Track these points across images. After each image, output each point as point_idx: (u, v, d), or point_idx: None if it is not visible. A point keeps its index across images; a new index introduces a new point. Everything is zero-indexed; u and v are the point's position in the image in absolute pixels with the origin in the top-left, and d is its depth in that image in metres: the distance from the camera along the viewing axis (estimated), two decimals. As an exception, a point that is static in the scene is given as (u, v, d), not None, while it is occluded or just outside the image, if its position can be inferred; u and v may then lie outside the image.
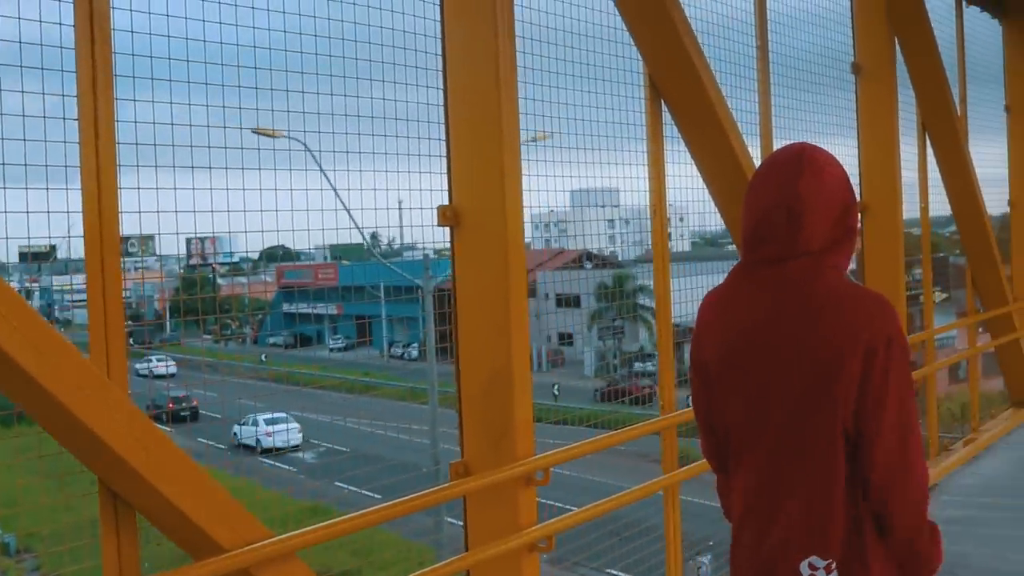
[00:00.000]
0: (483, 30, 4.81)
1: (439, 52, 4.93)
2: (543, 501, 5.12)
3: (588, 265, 41.69)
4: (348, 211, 4.87)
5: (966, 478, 9.15)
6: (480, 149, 4.86)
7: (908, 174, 10.11)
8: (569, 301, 45.64)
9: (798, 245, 2.74)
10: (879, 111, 8.69)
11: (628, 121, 6.41)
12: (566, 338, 46.87)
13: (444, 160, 4.95)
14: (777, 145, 7.49)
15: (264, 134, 4.37)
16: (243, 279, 48.84)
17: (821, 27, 8.62)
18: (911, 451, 2.71)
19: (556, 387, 38.97)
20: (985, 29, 12.28)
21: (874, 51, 8.65)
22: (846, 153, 8.76)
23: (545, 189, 5.83)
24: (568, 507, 5.39)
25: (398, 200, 5.09)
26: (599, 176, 6.41)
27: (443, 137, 4.95)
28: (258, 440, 32.64)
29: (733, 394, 2.84)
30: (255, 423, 31.79)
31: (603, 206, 7.70)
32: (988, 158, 12.30)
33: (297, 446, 33.79)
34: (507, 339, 4.83)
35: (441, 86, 4.94)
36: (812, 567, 2.69)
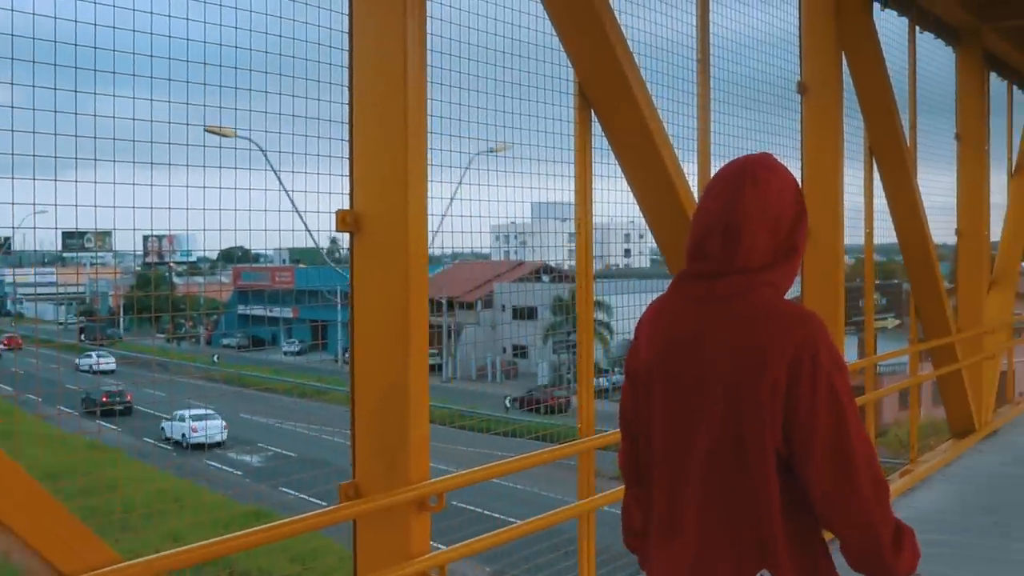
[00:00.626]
0: (391, 29, 4.52)
1: (346, 49, 4.64)
2: (487, 513, 4.83)
3: (545, 278, 41.46)
4: (299, 213, 4.80)
5: (900, 511, 8.80)
6: (383, 152, 4.57)
7: (855, 199, 9.94)
8: (525, 313, 45.51)
9: (734, 262, 2.67)
10: (823, 132, 8.47)
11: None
12: (520, 350, 46.66)
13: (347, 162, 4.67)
14: (716, 165, 7.33)
15: (216, 132, 4.29)
16: (199, 279, 48.26)
17: (768, 49, 8.41)
18: (853, 471, 2.58)
19: (508, 399, 38.67)
20: (939, 57, 12.14)
21: (820, 71, 8.43)
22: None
23: (507, 200, 5.87)
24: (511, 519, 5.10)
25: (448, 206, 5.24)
26: (560, 189, 6.36)
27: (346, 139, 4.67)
28: (184, 435, 32.65)
29: (657, 406, 2.77)
30: (182, 419, 31.66)
31: (564, 219, 7.57)
32: (939, 187, 12.15)
33: (221, 442, 33.66)
34: (405, 353, 4.53)
35: (347, 85, 4.65)
36: None
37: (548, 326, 44.54)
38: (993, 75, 13.82)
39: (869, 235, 9.89)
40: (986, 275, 12.30)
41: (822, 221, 8.49)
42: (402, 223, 4.50)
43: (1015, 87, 14.67)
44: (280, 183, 4.68)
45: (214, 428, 32.05)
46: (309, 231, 4.96)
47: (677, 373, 2.72)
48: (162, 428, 34.57)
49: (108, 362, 40.37)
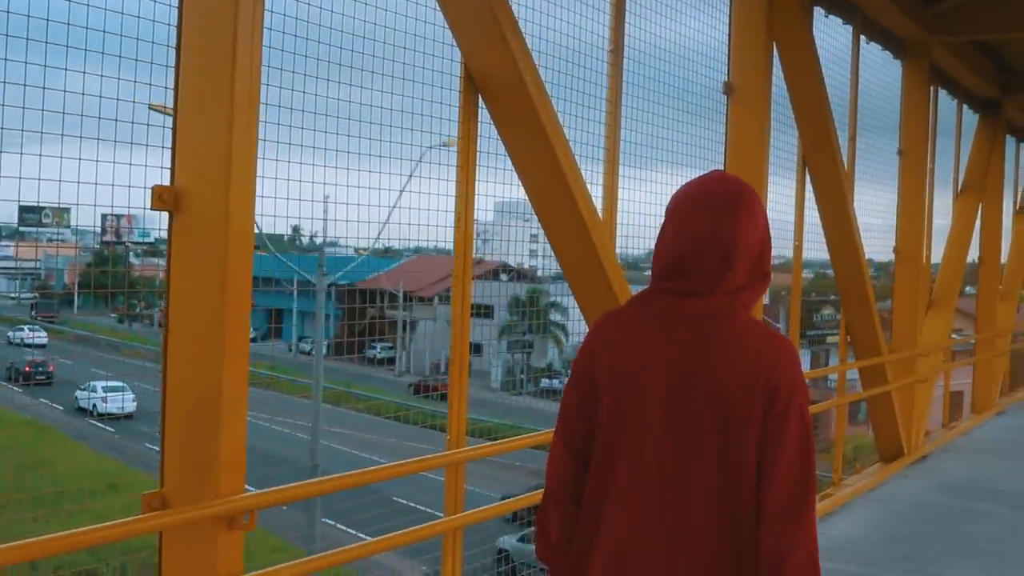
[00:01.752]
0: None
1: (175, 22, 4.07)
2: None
3: (504, 277, 41.00)
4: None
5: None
6: (207, 126, 4.01)
7: (788, 210, 9.46)
8: (482, 311, 44.84)
9: (721, 284, 2.70)
10: (749, 135, 7.96)
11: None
12: (475, 347, 46.18)
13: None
14: (625, 171, 6.94)
15: (159, 111, 4.13)
16: (157, 260, 47.48)
17: (694, 56, 7.92)
18: (804, 509, 2.62)
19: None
20: (888, 71, 11.69)
21: (748, 71, 7.91)
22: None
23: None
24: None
25: (323, 195, 5.10)
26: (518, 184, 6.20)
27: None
28: (94, 405, 34.08)
29: (631, 418, 2.72)
30: (94, 390, 33.41)
31: (527, 220, 7.43)
32: (883, 205, 11.70)
33: (131, 414, 34.25)
34: (220, 354, 3.97)
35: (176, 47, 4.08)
36: None
37: (504, 325, 44.15)
38: (944, 93, 13.43)
39: (798, 248, 9.41)
40: (923, 296, 11.83)
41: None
42: (223, 203, 3.94)
43: (964, 106, 14.26)
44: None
45: (126, 400, 33.33)
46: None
47: (656, 391, 2.69)
48: (76, 398, 34.68)
49: (40, 336, 40.08)
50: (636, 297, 2.85)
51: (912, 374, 11.45)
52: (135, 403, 34.06)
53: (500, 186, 6.25)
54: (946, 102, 13.88)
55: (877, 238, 11.74)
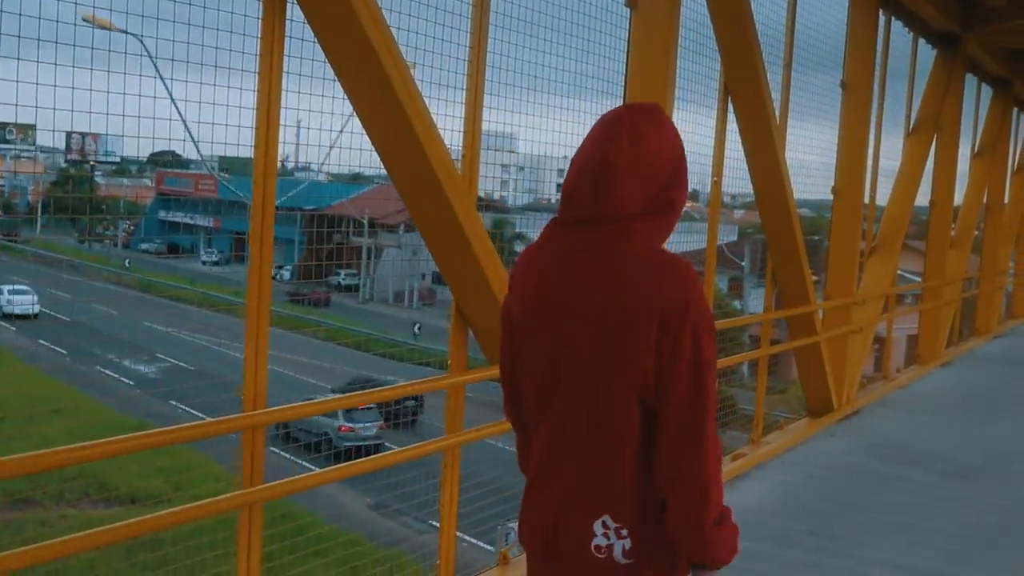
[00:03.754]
0: None
1: None
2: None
3: (472, 207, 39.50)
4: (183, 121, 4.79)
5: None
6: None
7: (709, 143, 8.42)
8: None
9: (605, 211, 2.60)
10: (653, 55, 6.89)
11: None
12: (440, 278, 45.16)
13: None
14: (494, 97, 6.01)
15: (103, 26, 4.18)
16: (123, 181, 46.09)
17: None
18: (702, 427, 2.54)
19: (417, 327, 37.15)
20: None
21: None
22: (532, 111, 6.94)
23: (442, 128, 5.35)
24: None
25: (296, 119, 4.96)
26: (496, 121, 6.07)
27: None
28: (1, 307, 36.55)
29: (529, 351, 2.74)
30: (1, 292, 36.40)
31: (498, 150, 6.94)
32: (829, 144, 10.66)
33: (37, 315, 36.92)
34: None
35: None
36: (605, 526, 2.60)
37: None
38: (899, 25, 12.34)
39: (716, 184, 8.36)
40: (859, 241, 10.81)
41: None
42: None
43: (922, 41, 13.18)
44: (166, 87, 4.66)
45: (28, 302, 36.86)
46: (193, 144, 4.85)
47: (550, 320, 2.66)
48: (-12, 300, 36.18)
49: (-7, 256, 40.45)
50: (544, 228, 2.77)
51: (846, 324, 10.48)
52: (37, 305, 36.92)
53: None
54: (902, 36, 12.84)
55: (820, 178, 10.77)
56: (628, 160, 2.59)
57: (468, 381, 5.97)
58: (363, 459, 5.74)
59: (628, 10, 6.99)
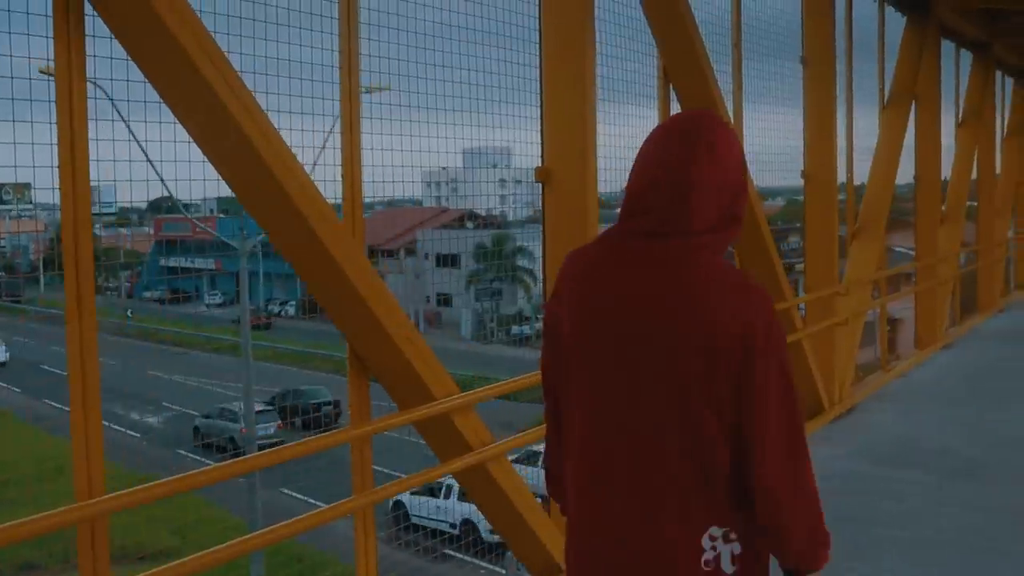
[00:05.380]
0: None
1: None
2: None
3: (470, 225, 38.93)
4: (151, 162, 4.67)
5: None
6: None
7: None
8: (448, 261, 43.12)
9: (679, 223, 2.48)
10: (568, 35, 6.04)
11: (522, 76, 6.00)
12: (444, 298, 44.32)
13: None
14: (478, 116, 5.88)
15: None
16: (124, 230, 45.43)
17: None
18: (799, 454, 2.46)
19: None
20: None
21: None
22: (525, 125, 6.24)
23: (436, 151, 5.56)
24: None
25: (319, 155, 4.91)
26: (490, 140, 6.07)
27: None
28: None
29: (587, 365, 2.55)
30: None
31: (494, 166, 6.99)
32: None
33: (4, 363, 37.07)
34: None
35: None
36: (712, 537, 2.46)
37: (471, 273, 42.30)
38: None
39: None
40: (837, 225, 9.87)
41: (564, 164, 6.12)
42: None
43: (890, 8, 12.27)
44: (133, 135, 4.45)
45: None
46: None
47: (618, 335, 2.50)
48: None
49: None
50: (602, 236, 2.63)
51: (830, 316, 9.55)
52: (7, 354, 36.79)
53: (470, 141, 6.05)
54: (869, 5, 11.95)
55: (796, 164, 9.88)
56: (707, 175, 2.50)
57: (373, 432, 5.11)
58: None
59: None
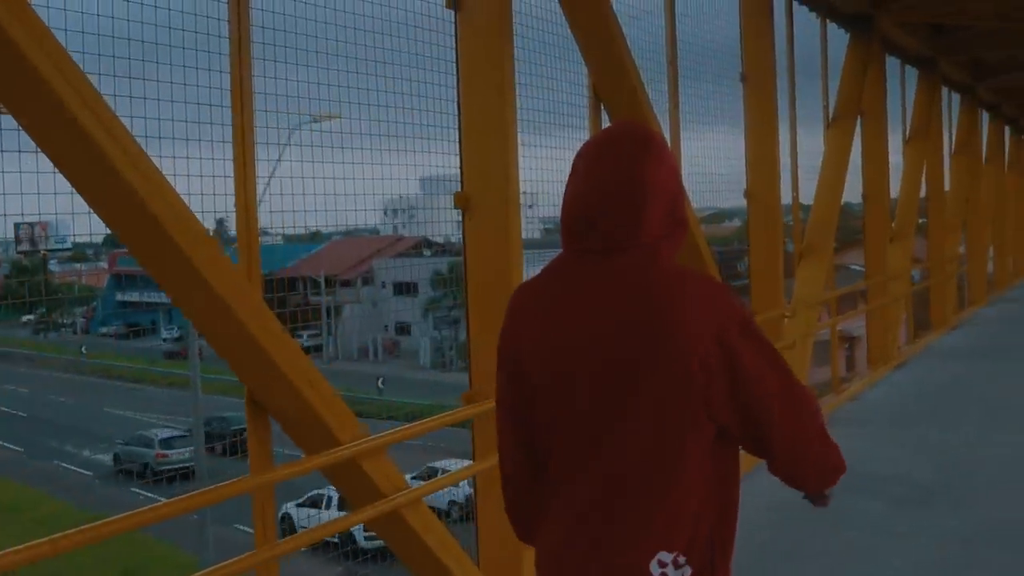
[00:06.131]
0: None
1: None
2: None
3: (427, 252, 38.59)
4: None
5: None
6: None
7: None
8: (406, 289, 42.70)
9: (633, 233, 2.42)
10: (484, 56, 5.73)
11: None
12: (403, 327, 43.82)
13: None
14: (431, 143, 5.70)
15: None
16: (78, 265, 44.58)
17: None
18: (812, 420, 2.51)
19: (381, 380, 35.78)
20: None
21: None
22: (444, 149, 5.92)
23: (392, 177, 5.47)
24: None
25: (267, 184, 4.80)
26: (447, 167, 5.89)
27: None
28: None
29: (563, 399, 2.45)
30: None
31: (452, 194, 6.24)
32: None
33: None
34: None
35: None
36: (661, 564, 2.38)
37: (428, 301, 41.88)
38: (805, 9, 11.22)
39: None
40: (782, 245, 9.58)
41: (483, 185, 5.78)
42: None
43: (833, 24, 12.05)
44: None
45: None
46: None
47: (591, 361, 2.40)
48: None
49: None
50: (551, 263, 2.54)
51: (776, 339, 9.22)
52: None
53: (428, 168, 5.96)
54: (812, 21, 11.73)
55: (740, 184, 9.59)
56: (656, 180, 2.45)
57: (277, 480, 4.69)
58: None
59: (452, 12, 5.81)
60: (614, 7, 7.01)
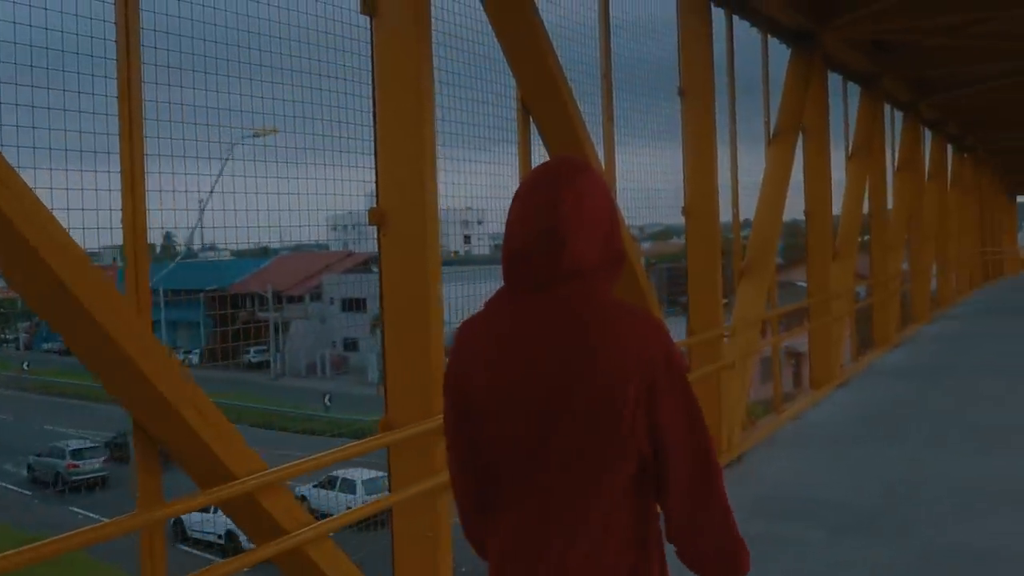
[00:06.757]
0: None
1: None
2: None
3: (375, 269, 38.01)
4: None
5: None
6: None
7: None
8: (355, 305, 42.18)
9: (562, 269, 2.42)
10: (396, 62, 5.41)
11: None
12: (351, 343, 43.26)
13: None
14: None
15: None
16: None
17: None
18: (713, 475, 2.44)
19: (328, 397, 35.23)
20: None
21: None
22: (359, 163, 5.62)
23: (338, 192, 5.34)
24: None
25: (199, 199, 4.75)
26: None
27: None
28: None
29: (505, 429, 2.47)
30: None
31: None
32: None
33: None
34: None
35: None
36: None
37: (376, 317, 41.38)
38: (746, 24, 10.98)
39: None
40: (718, 263, 9.28)
41: (400, 202, 5.45)
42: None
43: (776, 40, 11.83)
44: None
45: None
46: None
47: (529, 394, 2.41)
48: None
49: None
50: (492, 297, 2.57)
51: (715, 359, 8.94)
52: None
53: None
54: (755, 36, 11.50)
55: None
56: (577, 214, 2.43)
57: (167, 516, 4.31)
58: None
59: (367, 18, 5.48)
60: (547, 20, 6.74)
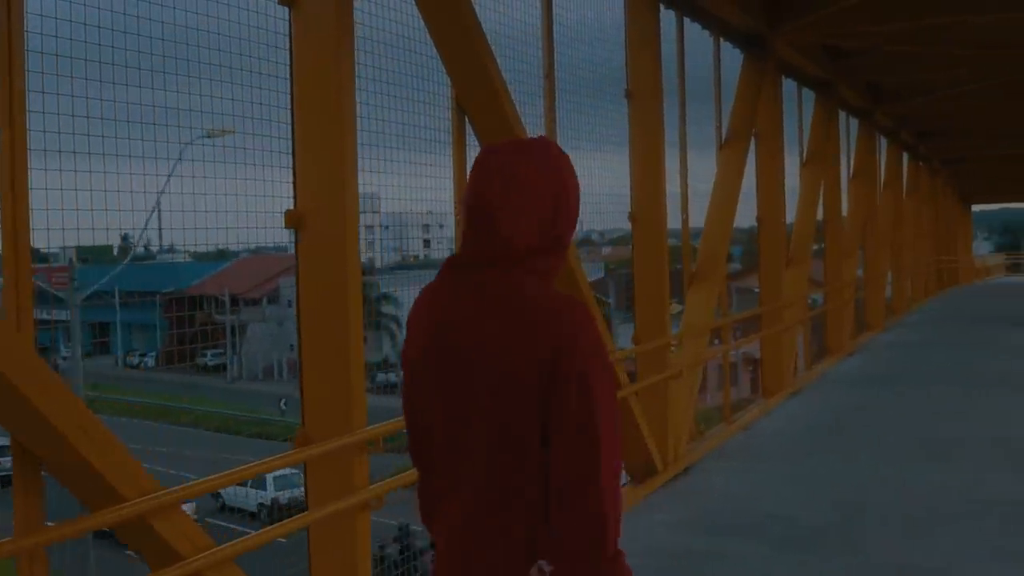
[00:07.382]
0: None
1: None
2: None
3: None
4: None
5: None
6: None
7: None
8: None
9: (492, 250, 2.42)
10: (315, 55, 5.12)
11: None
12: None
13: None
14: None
15: None
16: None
17: None
18: (596, 455, 2.30)
19: (283, 401, 34.73)
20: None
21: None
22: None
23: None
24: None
25: (156, 201, 4.80)
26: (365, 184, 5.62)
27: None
28: None
29: (430, 396, 2.52)
30: None
31: (363, 212, 6.05)
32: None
33: None
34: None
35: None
36: (541, 571, 2.36)
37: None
38: (697, 27, 10.73)
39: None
40: (666, 271, 8.99)
41: (320, 204, 5.12)
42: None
43: (728, 43, 11.58)
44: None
45: None
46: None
47: (448, 364, 2.46)
48: None
49: None
50: (440, 271, 2.55)
51: (662, 368, 8.65)
52: None
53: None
54: (706, 39, 11.24)
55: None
56: (504, 194, 2.40)
57: (44, 543, 3.94)
58: None
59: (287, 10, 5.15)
60: (488, 20, 6.45)
